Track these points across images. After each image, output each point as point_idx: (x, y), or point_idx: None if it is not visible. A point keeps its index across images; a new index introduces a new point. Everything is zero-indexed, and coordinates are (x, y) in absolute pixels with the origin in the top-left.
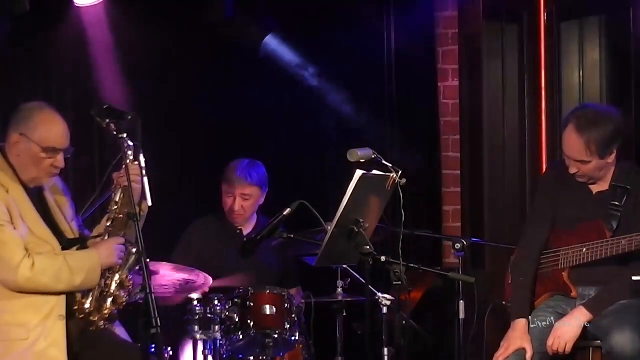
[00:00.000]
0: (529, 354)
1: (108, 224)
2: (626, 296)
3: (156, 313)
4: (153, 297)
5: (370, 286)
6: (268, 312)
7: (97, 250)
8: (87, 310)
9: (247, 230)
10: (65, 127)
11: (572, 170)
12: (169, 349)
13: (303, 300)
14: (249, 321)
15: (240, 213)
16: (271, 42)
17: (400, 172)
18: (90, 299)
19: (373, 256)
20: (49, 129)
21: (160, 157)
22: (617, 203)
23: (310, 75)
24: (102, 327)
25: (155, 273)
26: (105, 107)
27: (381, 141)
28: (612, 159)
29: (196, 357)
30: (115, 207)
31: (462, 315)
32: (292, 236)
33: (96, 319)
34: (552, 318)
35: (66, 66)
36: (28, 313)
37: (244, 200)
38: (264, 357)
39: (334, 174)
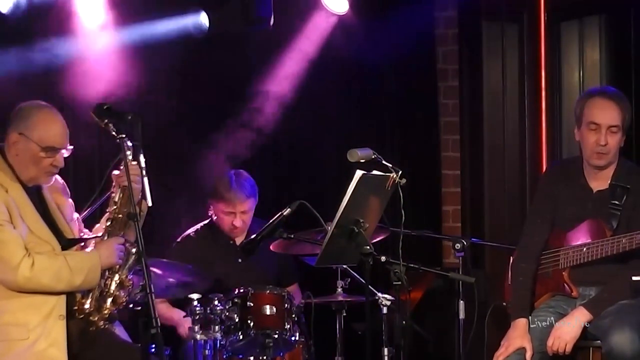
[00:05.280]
0: (529, 353)
1: (108, 224)
2: (626, 296)
3: (156, 313)
4: (153, 297)
5: (370, 286)
6: (268, 312)
7: (97, 250)
8: (87, 310)
9: (240, 238)
10: (64, 127)
11: (603, 142)
12: (169, 349)
13: (303, 301)
14: (249, 321)
15: (242, 228)
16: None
17: (400, 172)
18: (90, 299)
19: (373, 256)
20: (47, 128)
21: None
22: (617, 202)
23: (310, 75)
24: (102, 327)
25: (155, 273)
26: (105, 107)
27: (381, 141)
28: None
29: (196, 357)
30: (115, 207)
31: (462, 315)
32: (292, 236)
33: (96, 319)
34: (553, 318)
35: (66, 66)
36: (28, 313)
37: (245, 215)
38: (264, 357)
39: (334, 174)
